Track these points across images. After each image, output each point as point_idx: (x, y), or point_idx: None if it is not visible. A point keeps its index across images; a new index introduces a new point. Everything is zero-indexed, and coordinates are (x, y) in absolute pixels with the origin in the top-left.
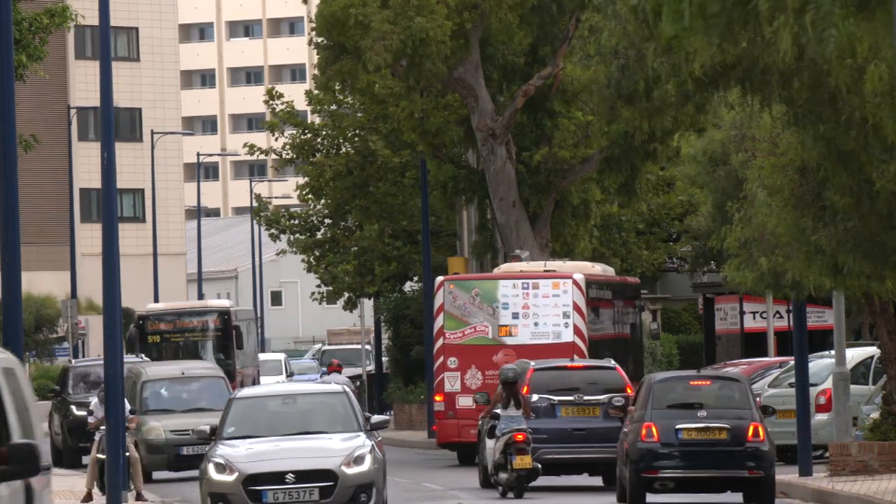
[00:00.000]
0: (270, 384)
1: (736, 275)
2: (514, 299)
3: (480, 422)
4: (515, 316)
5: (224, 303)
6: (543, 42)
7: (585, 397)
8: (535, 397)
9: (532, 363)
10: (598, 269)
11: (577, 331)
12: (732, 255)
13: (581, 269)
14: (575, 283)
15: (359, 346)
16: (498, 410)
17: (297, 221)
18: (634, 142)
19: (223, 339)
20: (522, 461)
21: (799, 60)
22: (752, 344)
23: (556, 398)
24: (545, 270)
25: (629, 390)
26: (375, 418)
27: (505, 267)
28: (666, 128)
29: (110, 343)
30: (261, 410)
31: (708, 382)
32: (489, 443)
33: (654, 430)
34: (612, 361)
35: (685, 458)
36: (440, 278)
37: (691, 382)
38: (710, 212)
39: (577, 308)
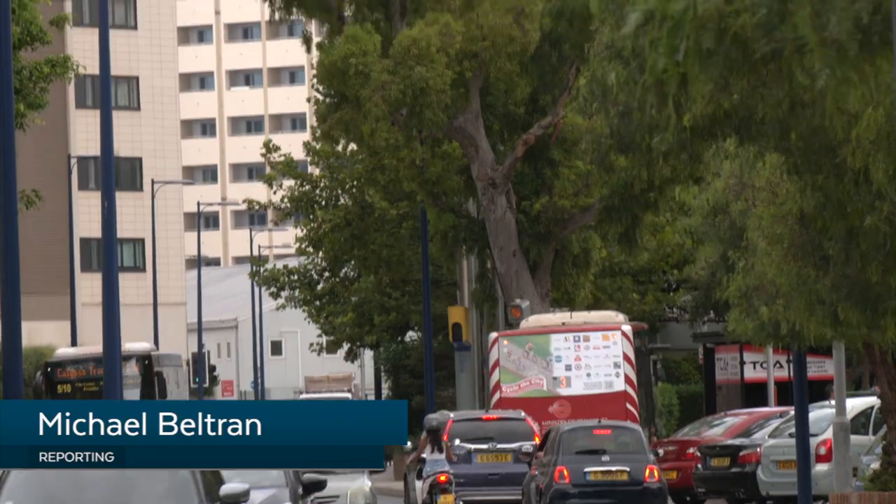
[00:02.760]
0: None
1: (737, 325)
2: (566, 352)
3: (406, 466)
4: (568, 368)
5: (143, 346)
6: (544, 91)
7: (498, 445)
8: (456, 442)
9: (452, 415)
10: (621, 317)
11: (627, 380)
12: (733, 304)
13: (606, 318)
14: (624, 334)
15: (340, 395)
16: (424, 455)
17: (296, 277)
18: (634, 191)
19: (144, 387)
20: (445, 500)
21: (793, 110)
22: (753, 394)
23: (473, 446)
24: (584, 323)
25: (536, 438)
26: (229, 487)
27: (533, 319)
28: (665, 177)
29: (110, 393)
30: (53, 476)
31: (608, 431)
32: (417, 484)
33: (565, 472)
34: (522, 413)
35: (593, 496)
36: (494, 334)
37: (595, 431)
38: (714, 262)
39: (626, 358)
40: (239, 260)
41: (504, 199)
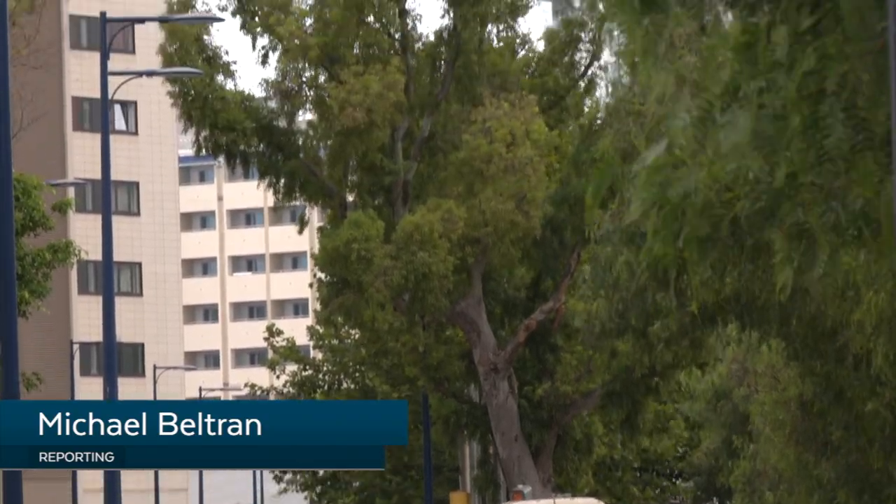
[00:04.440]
0: None
1: None
2: None
3: None
4: None
5: None
6: (545, 276)
7: None
8: None
9: None
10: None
11: None
12: (737, 490)
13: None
14: None
15: None
16: None
17: None
18: (636, 376)
19: None
20: None
21: (793, 296)
22: None
23: None
24: None
25: None
26: None
27: None
28: (667, 362)
29: None
30: None
31: None
32: None
33: None
34: None
35: None
36: None
37: None
38: (717, 447)
39: None
40: None
41: (506, 384)
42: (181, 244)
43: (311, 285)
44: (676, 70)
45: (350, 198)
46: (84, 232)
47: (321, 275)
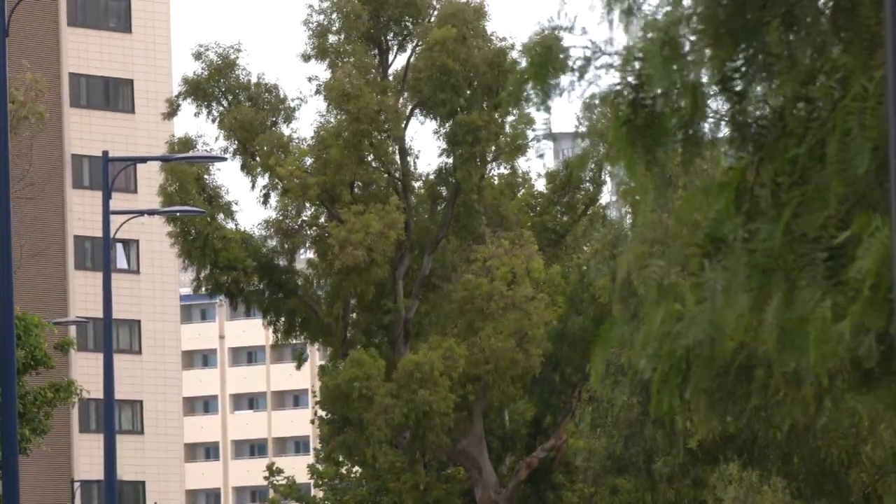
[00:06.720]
0: None
1: None
2: None
3: None
4: None
5: None
6: (546, 412)
7: None
8: None
9: None
10: None
11: None
12: None
13: None
14: None
15: None
16: None
17: None
18: None
19: None
20: None
21: (792, 434)
22: None
23: None
24: None
25: None
26: None
27: None
28: (669, 501)
29: None
30: None
31: None
32: None
33: None
34: None
35: None
36: None
37: None
38: None
39: None
40: None
41: None
42: (182, 382)
43: (312, 421)
44: (673, 211)
45: (350, 334)
46: (85, 370)
47: (322, 412)
